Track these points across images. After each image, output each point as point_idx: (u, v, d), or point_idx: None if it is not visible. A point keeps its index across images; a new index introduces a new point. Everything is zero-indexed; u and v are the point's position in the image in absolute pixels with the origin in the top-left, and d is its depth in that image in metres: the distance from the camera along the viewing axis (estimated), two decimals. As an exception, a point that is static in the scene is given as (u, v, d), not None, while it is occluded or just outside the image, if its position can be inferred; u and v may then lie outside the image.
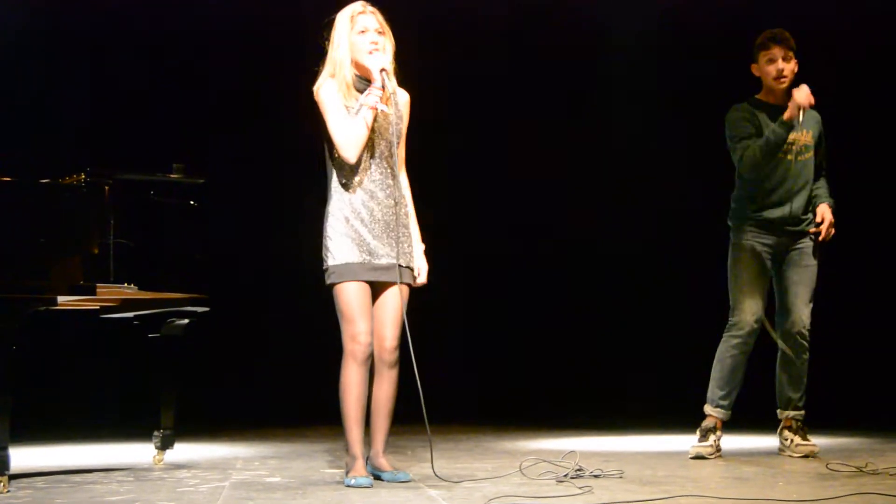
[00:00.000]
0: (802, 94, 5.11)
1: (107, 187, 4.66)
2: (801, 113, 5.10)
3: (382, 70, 4.33)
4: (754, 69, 5.40)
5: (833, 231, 5.34)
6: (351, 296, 4.34)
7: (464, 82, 8.18)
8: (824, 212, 5.33)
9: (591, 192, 8.40)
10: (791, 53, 5.31)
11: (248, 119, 7.93)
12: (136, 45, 7.86)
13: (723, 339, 5.34)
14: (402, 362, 4.45)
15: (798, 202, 5.33)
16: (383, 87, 4.32)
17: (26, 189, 4.45)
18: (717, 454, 5.25)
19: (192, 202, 5.15)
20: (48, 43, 7.69)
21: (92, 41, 7.81)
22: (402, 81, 4.52)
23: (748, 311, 5.29)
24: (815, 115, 5.42)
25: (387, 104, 4.37)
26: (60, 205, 4.50)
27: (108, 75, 7.83)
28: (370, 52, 4.37)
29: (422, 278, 4.54)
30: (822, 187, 5.44)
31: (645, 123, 8.19)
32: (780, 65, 5.29)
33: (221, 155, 7.78)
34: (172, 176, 5.06)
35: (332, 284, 4.38)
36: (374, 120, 4.35)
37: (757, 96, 5.41)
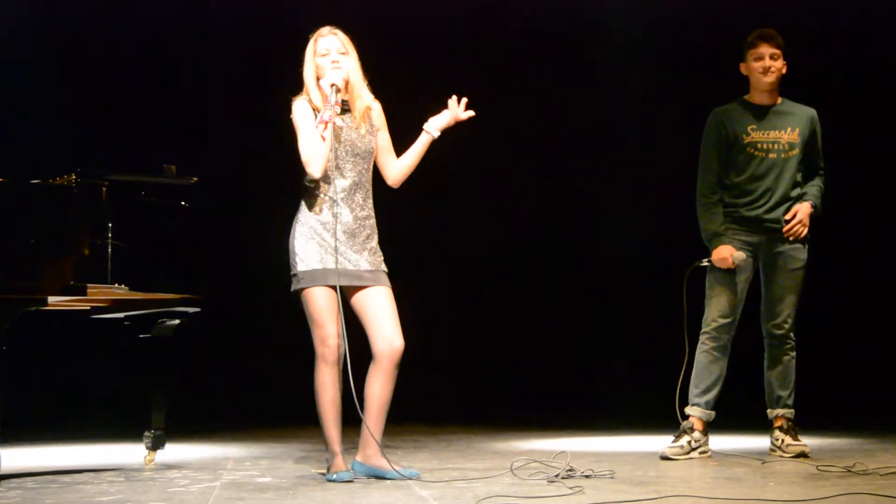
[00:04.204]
0: (722, 260, 5.28)
1: (104, 188, 4.67)
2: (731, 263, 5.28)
3: (332, 85, 4.49)
4: (743, 68, 5.44)
5: (802, 230, 5.33)
6: (319, 301, 4.49)
7: (460, 82, 8.17)
8: (798, 209, 5.35)
9: (589, 190, 8.41)
10: (779, 52, 5.35)
11: (245, 120, 7.92)
12: (133, 43, 7.85)
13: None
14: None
15: (778, 200, 5.35)
16: (332, 101, 4.46)
17: (17, 189, 4.44)
18: (689, 456, 5.25)
19: (183, 203, 5.14)
20: (41, 42, 7.68)
21: (86, 40, 7.80)
22: (386, 88, 4.71)
23: (716, 307, 5.34)
24: (806, 112, 5.44)
25: (350, 120, 4.56)
26: (51, 205, 4.50)
27: (102, 75, 7.81)
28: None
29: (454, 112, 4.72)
30: (813, 186, 5.44)
31: (643, 122, 8.19)
32: (766, 62, 5.34)
33: (216, 156, 7.77)
34: (163, 177, 5.06)
35: (301, 290, 4.53)
36: (338, 132, 4.52)
37: (744, 97, 5.46)
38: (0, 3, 7.60)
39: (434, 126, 4.70)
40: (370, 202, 4.63)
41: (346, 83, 4.56)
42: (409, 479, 4.44)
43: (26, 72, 7.62)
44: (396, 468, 4.48)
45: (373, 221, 4.62)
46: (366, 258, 4.55)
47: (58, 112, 7.60)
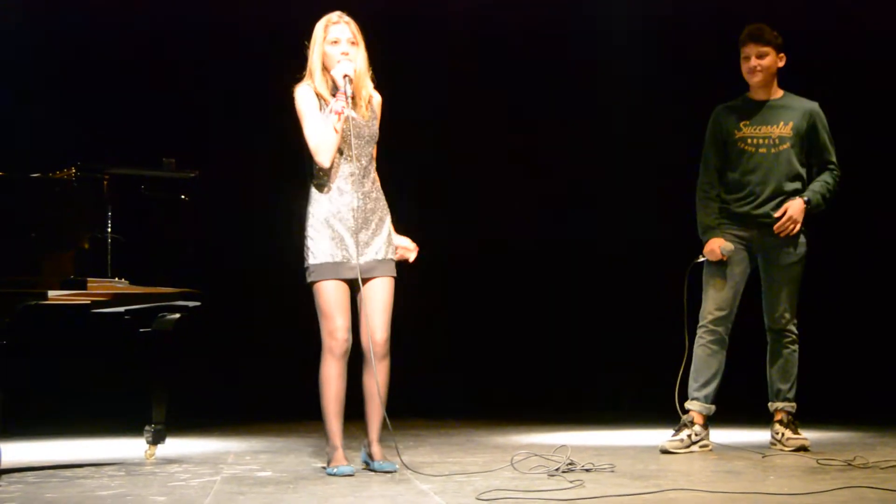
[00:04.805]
0: (711, 252, 5.33)
1: (105, 182, 4.67)
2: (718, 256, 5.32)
3: (345, 76, 4.47)
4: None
5: (792, 227, 5.31)
6: (329, 293, 4.49)
7: (459, 81, 8.18)
8: (789, 206, 5.33)
9: (586, 189, 8.40)
10: (767, 49, 5.34)
11: (245, 115, 7.91)
12: (131, 40, 7.84)
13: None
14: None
15: (769, 196, 5.34)
16: (346, 93, 4.45)
17: (17, 183, 4.44)
18: (689, 450, 5.25)
19: (183, 196, 5.14)
20: (39, 39, 7.67)
21: (85, 36, 7.79)
22: (385, 83, 4.71)
23: (711, 300, 5.36)
24: (805, 106, 5.42)
25: (354, 109, 4.53)
26: (51, 199, 4.49)
27: (103, 71, 7.81)
28: (338, 62, 4.53)
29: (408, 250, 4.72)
30: (817, 182, 5.41)
31: (643, 120, 8.18)
32: (752, 62, 5.35)
33: (216, 150, 7.77)
34: (163, 171, 5.06)
35: (312, 283, 4.53)
36: (345, 123, 4.48)
37: (746, 93, 5.47)
38: (0, 2, 7.59)
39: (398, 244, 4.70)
40: (378, 186, 4.64)
41: (354, 72, 4.55)
42: (386, 471, 4.46)
43: (26, 71, 7.60)
44: (378, 460, 4.52)
45: (384, 204, 4.63)
46: (375, 247, 4.55)
47: (57, 110, 7.59)
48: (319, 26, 4.58)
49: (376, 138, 4.65)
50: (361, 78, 4.58)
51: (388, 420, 4.50)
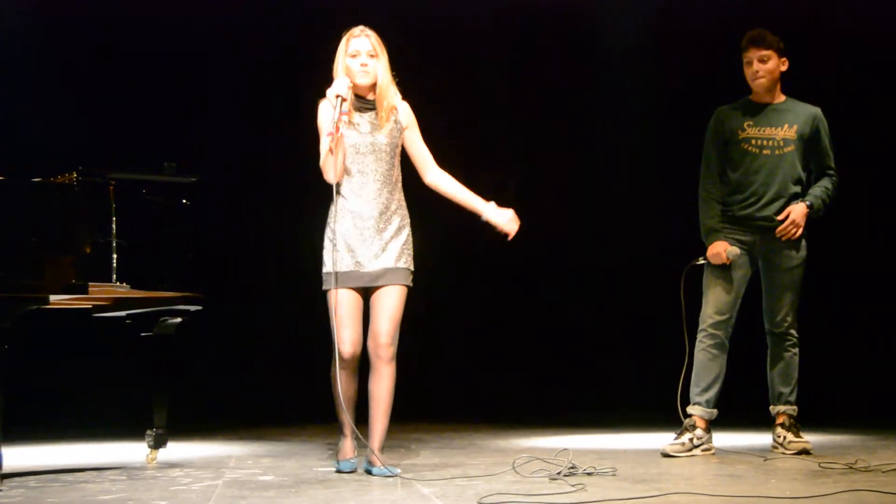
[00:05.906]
0: (716, 255, 5.30)
1: (111, 187, 4.69)
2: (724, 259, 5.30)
3: (337, 96, 4.52)
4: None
5: (794, 231, 5.31)
6: (337, 303, 4.56)
7: (458, 86, 8.18)
8: (791, 209, 5.33)
9: (587, 190, 8.40)
10: (769, 53, 5.33)
11: (248, 118, 7.91)
12: (132, 40, 7.84)
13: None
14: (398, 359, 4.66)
15: (772, 198, 5.34)
16: (335, 115, 4.49)
17: (18, 188, 4.44)
18: (691, 454, 5.25)
19: (184, 200, 5.15)
20: (39, 40, 7.67)
21: (87, 38, 7.79)
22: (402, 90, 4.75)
23: (712, 304, 5.35)
24: (808, 110, 5.42)
25: (376, 122, 4.62)
26: (53, 204, 4.50)
27: (103, 72, 7.80)
28: (356, 75, 4.60)
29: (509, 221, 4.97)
30: (818, 187, 5.41)
31: (644, 122, 8.18)
32: (754, 67, 5.35)
33: (216, 154, 7.76)
34: (164, 175, 5.07)
35: (325, 291, 4.63)
36: (358, 133, 4.57)
37: (748, 96, 5.46)
38: (2, 2, 7.59)
39: (489, 214, 4.90)
40: (396, 197, 4.66)
41: (374, 85, 4.61)
42: (387, 476, 4.47)
43: (28, 71, 7.61)
44: (381, 465, 4.53)
45: (401, 215, 4.66)
46: (388, 256, 4.60)
47: (60, 111, 7.59)
48: (343, 40, 4.63)
49: (397, 150, 4.68)
50: (383, 89, 4.62)
51: (361, 437, 4.57)
